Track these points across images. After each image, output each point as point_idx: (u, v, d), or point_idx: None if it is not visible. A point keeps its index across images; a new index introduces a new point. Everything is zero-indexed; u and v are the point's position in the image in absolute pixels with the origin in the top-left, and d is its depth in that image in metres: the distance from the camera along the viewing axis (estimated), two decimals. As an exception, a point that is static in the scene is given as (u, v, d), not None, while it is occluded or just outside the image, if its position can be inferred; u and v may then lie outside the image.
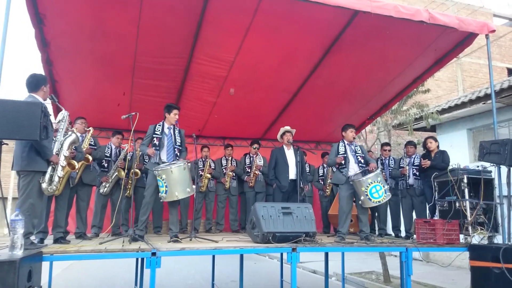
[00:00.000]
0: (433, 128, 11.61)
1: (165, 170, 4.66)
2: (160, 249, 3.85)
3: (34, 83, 3.87)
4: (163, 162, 4.97)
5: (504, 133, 9.98)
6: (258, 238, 4.44)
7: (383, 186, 5.24)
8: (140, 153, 5.96)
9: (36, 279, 3.17)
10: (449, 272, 8.62)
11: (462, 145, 10.86)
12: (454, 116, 10.86)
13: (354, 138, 5.80)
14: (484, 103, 9.65)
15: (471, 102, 9.99)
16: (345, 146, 5.65)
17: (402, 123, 10.01)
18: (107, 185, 5.92)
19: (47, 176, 3.74)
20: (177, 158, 5.09)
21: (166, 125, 5.21)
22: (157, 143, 5.08)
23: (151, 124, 5.21)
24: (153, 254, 3.74)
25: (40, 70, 5.76)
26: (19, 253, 3.04)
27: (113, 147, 6.19)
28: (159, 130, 5.13)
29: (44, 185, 3.69)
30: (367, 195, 5.19)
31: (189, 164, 5.05)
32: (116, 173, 5.98)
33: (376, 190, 5.18)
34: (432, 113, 9.38)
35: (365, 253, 11.64)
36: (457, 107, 10.42)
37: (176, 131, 5.24)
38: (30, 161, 3.65)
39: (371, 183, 5.19)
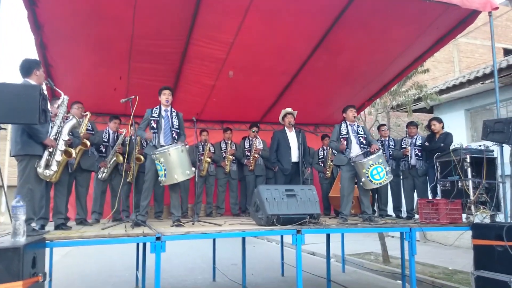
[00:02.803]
0: (430, 109, 11.60)
1: (162, 153, 4.61)
2: (164, 233, 3.81)
3: (26, 67, 3.76)
4: (162, 146, 4.91)
5: (502, 113, 9.97)
6: (262, 220, 4.42)
7: (385, 168, 5.21)
8: (140, 138, 5.87)
9: (40, 265, 3.12)
10: (447, 251, 8.72)
11: (460, 126, 10.87)
12: (452, 96, 10.84)
13: (355, 117, 5.75)
14: (483, 83, 9.63)
15: (469, 82, 9.96)
16: (347, 127, 5.61)
17: (401, 104, 9.97)
18: (105, 171, 5.84)
19: (43, 160, 3.65)
20: (175, 141, 5.02)
21: (163, 108, 5.14)
22: (154, 125, 5.02)
23: (148, 108, 5.14)
24: (158, 238, 3.71)
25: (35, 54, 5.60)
26: (22, 239, 2.98)
27: (111, 132, 6.09)
28: (156, 113, 5.08)
29: (39, 170, 3.60)
30: (368, 176, 5.16)
31: (187, 146, 4.99)
32: (114, 158, 5.90)
33: (377, 172, 5.16)
34: (432, 93, 9.33)
35: (363, 234, 11.74)
36: (455, 87, 10.40)
37: (174, 114, 5.17)
38: (24, 145, 3.57)
39: (372, 164, 5.15)
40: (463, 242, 9.54)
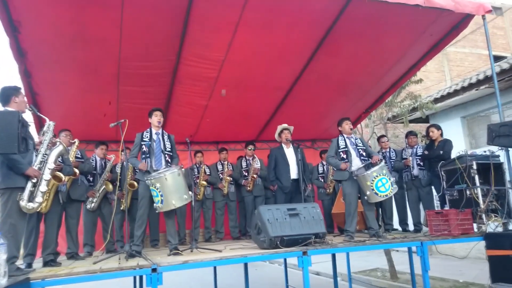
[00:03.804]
0: (426, 119, 11.50)
1: (158, 179, 4.36)
2: (160, 264, 3.54)
3: (3, 95, 3.57)
4: (155, 171, 4.66)
5: (497, 119, 9.89)
6: (265, 243, 4.15)
7: (389, 179, 4.99)
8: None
9: (25, 309, 2.84)
10: (454, 263, 8.42)
11: (457, 134, 10.73)
12: (447, 105, 10.76)
13: (351, 129, 5.54)
14: (477, 89, 9.54)
15: (464, 89, 9.88)
16: (345, 140, 5.40)
17: (397, 115, 9.85)
18: (94, 200, 5.55)
19: (26, 192, 3.39)
20: (169, 165, 4.78)
21: (154, 131, 4.91)
22: (146, 150, 4.77)
23: (138, 132, 4.90)
24: (154, 270, 3.44)
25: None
26: (2, 281, 2.71)
27: (98, 159, 5.84)
28: (147, 137, 4.83)
29: (22, 203, 3.33)
30: (373, 189, 4.93)
31: (183, 169, 4.76)
32: (104, 186, 5.63)
33: (382, 184, 4.93)
34: (427, 102, 9.22)
35: (367, 250, 11.40)
36: (449, 95, 10.32)
37: (165, 136, 4.94)
38: (4, 178, 3.33)
39: (376, 176, 4.93)
40: (470, 253, 9.31)
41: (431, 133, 6.00)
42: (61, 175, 4.03)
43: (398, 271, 8.21)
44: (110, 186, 5.67)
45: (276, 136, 6.11)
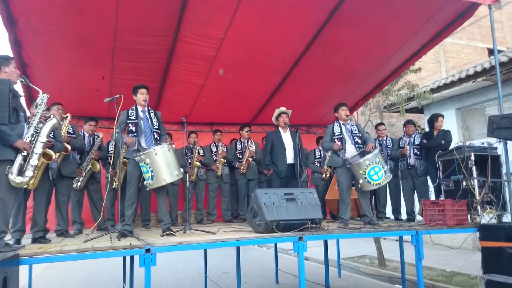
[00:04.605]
0: (421, 109, 11.49)
1: (148, 154, 4.24)
2: (154, 244, 3.45)
3: None
4: (144, 149, 4.51)
5: (494, 112, 9.91)
6: (260, 227, 4.08)
7: (383, 167, 4.90)
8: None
9: (13, 285, 2.73)
10: (441, 252, 8.52)
11: (451, 125, 10.72)
12: (443, 96, 10.73)
13: (347, 116, 5.42)
14: (474, 81, 9.52)
15: (461, 81, 9.85)
16: (340, 127, 5.31)
17: (393, 104, 9.80)
18: (80, 179, 5.36)
19: (16, 165, 3.23)
20: (158, 142, 4.64)
21: (140, 109, 4.72)
22: (133, 129, 4.60)
23: (123, 110, 4.66)
24: (147, 251, 3.35)
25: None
26: (-9, 257, 2.59)
27: (86, 135, 5.63)
28: (133, 115, 4.64)
29: (11, 176, 3.18)
30: (365, 177, 4.85)
31: (173, 145, 4.63)
32: (90, 166, 5.46)
33: (375, 172, 4.85)
34: (424, 92, 9.17)
35: (362, 238, 11.49)
36: (446, 86, 10.29)
37: (152, 114, 4.77)
38: None
39: (369, 164, 4.84)
40: (456, 243, 9.40)
41: (440, 122, 5.93)
42: (52, 152, 3.86)
43: (386, 259, 8.29)
44: (98, 166, 5.50)
45: (273, 119, 5.99)
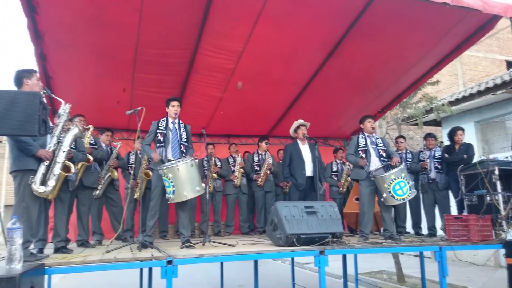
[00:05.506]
0: (439, 122, 11.33)
1: (171, 169, 4.26)
2: (176, 256, 3.45)
3: (16, 79, 3.49)
4: (169, 160, 4.55)
5: (509, 126, 9.74)
6: (281, 240, 4.05)
7: (408, 183, 4.85)
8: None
9: (38, 295, 2.75)
10: (461, 269, 8.32)
11: (470, 139, 10.52)
12: (461, 108, 10.58)
13: (373, 128, 5.40)
14: (494, 94, 9.37)
15: (480, 93, 9.71)
16: (365, 139, 5.28)
17: (411, 116, 9.68)
18: (99, 187, 5.42)
19: (39, 175, 3.29)
20: (184, 155, 4.67)
21: (170, 120, 4.80)
22: (161, 139, 4.66)
23: (154, 120, 4.80)
24: (169, 262, 3.35)
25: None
26: (18, 266, 2.63)
27: (103, 145, 5.73)
28: (163, 125, 4.72)
29: (34, 186, 3.23)
30: (390, 192, 4.80)
31: (196, 160, 4.65)
32: (109, 173, 5.53)
33: (400, 187, 4.80)
34: (443, 105, 9.05)
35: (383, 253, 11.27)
36: (464, 99, 10.15)
37: (182, 126, 4.83)
38: (15, 160, 3.26)
39: (395, 179, 4.80)
40: (477, 259, 9.17)
41: (460, 136, 5.84)
42: (71, 164, 3.91)
43: (405, 275, 8.10)
44: (116, 174, 5.57)
45: (291, 131, 5.99)
